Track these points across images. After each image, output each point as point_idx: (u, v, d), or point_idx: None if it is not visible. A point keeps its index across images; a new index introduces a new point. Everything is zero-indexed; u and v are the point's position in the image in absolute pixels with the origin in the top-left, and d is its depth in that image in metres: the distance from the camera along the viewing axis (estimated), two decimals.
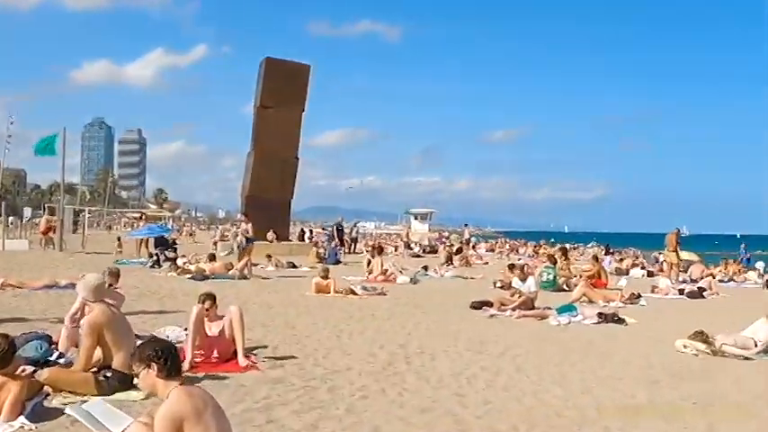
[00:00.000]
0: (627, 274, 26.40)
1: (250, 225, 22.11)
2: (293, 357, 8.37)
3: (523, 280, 14.17)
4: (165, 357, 4.03)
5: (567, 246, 54.15)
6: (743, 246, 37.86)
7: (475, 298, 14.65)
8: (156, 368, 4.01)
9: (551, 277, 18.54)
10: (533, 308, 13.51)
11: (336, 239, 34.43)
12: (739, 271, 28.66)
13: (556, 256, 20.55)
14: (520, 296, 13.68)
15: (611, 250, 42.50)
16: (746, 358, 9.22)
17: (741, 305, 16.89)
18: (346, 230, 38.47)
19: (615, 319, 12.49)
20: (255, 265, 21.71)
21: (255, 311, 12.27)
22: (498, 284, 18.35)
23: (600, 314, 12.61)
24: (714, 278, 23.45)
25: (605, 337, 10.85)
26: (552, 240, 59.93)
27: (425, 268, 23.78)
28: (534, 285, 14.13)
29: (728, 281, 25.47)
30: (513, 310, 13.14)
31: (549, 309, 13.34)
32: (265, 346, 8.95)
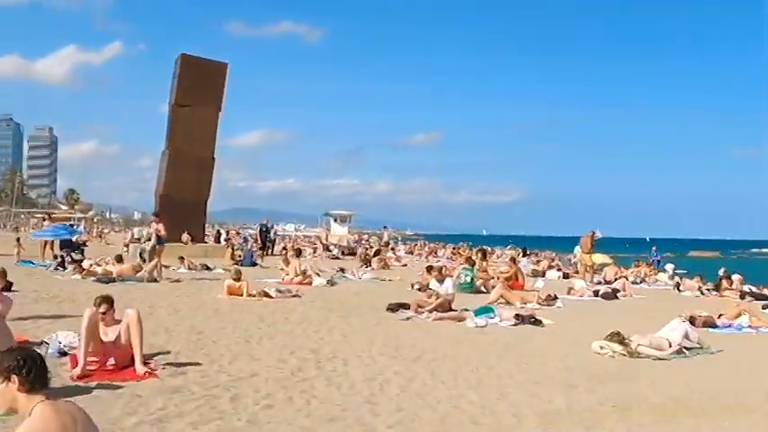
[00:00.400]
0: (543, 275, 26.65)
1: (161, 225, 21.24)
2: (197, 364, 7.84)
3: (441, 282, 13.95)
4: (29, 368, 3.50)
5: (486, 248, 55.07)
6: (654, 248, 38.71)
7: (392, 300, 14.36)
8: (17, 381, 3.48)
9: (469, 279, 18.40)
10: (450, 310, 13.29)
11: (260, 241, 33.72)
12: (650, 273, 29.30)
13: (474, 258, 20.47)
14: (437, 298, 13.44)
15: (528, 252, 43.01)
16: (661, 359, 9.17)
17: (654, 306, 17.14)
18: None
19: (532, 320, 12.37)
20: (167, 267, 20.91)
21: (161, 315, 11.64)
22: (416, 286, 18.16)
23: (517, 316, 12.47)
24: (627, 280, 23.86)
25: (522, 340, 10.68)
26: (470, 243, 60.50)
27: (342, 270, 23.39)
28: (452, 287, 13.92)
29: (640, 282, 25.98)
30: (430, 312, 12.88)
31: (467, 310, 13.13)
32: (168, 352, 8.39)
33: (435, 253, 47.60)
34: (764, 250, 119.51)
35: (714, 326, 12.94)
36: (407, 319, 12.62)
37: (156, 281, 17.93)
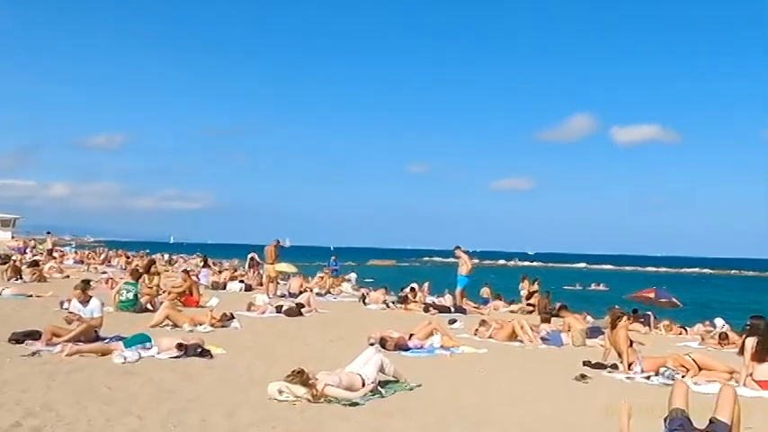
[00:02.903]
0: (224, 288, 24.41)
1: None
2: None
3: (85, 302, 11.03)
4: None
5: (167, 256, 51.17)
6: (333, 257, 37.38)
7: (29, 325, 11.21)
8: None
9: (132, 295, 15.50)
10: (97, 339, 10.49)
11: None
12: (335, 283, 28.36)
13: (140, 270, 17.50)
14: (80, 323, 10.56)
15: (210, 261, 40.27)
16: (354, 404, 7.32)
17: (341, 323, 15.72)
18: None
19: (199, 350, 9.96)
20: None
21: None
22: (66, 305, 14.88)
23: (180, 345, 9.95)
24: (312, 292, 22.50)
25: (183, 380, 8.24)
26: (147, 251, 56.35)
27: None
28: (99, 309, 11.03)
29: (325, 294, 24.82)
30: (67, 343, 9.92)
31: (120, 339, 10.38)
32: None
33: (109, 261, 42.99)
34: (435, 258, 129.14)
35: (406, 348, 11.62)
36: (34, 354, 9.52)
37: None
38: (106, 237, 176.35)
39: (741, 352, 9.47)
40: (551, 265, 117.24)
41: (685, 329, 18.67)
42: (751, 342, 9.25)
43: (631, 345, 10.72)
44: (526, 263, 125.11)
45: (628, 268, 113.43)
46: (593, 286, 58.49)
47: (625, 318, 11.01)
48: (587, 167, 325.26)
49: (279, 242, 23.58)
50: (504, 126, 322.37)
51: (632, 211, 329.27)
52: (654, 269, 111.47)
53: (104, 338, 10.66)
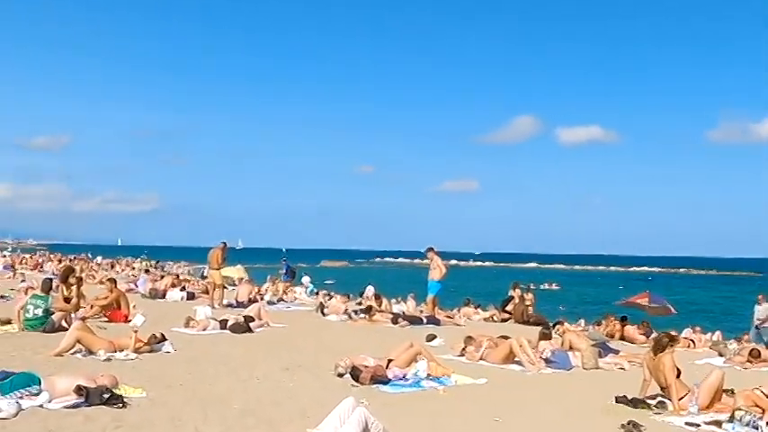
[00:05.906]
0: (164, 296, 21.55)
1: None
2: None
3: None
4: None
5: (100, 259, 47.41)
6: (283, 260, 33.75)
7: None
8: None
9: (41, 312, 12.59)
10: None
11: None
12: (286, 289, 25.62)
13: (52, 279, 14.46)
14: None
15: (158, 264, 37.09)
16: None
17: (296, 342, 12.99)
18: None
19: (107, 395, 7.18)
20: None
21: None
22: None
23: (80, 389, 7.14)
24: (263, 299, 19.87)
25: None
26: (89, 254, 52.70)
27: None
28: None
29: (278, 301, 22.13)
30: None
31: (6, 378, 7.56)
32: None
33: (42, 266, 39.50)
34: (387, 259, 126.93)
35: (385, 380, 9.04)
36: None
37: None
38: (51, 240, 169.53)
39: None
40: (502, 264, 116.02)
41: (693, 342, 16.41)
42: None
43: (679, 375, 8.31)
44: (478, 263, 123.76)
45: (578, 267, 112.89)
46: (545, 285, 58.09)
47: (674, 340, 8.60)
48: (532, 168, 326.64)
49: (225, 244, 20.66)
50: (450, 128, 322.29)
51: (576, 211, 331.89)
52: (604, 268, 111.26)
53: None
